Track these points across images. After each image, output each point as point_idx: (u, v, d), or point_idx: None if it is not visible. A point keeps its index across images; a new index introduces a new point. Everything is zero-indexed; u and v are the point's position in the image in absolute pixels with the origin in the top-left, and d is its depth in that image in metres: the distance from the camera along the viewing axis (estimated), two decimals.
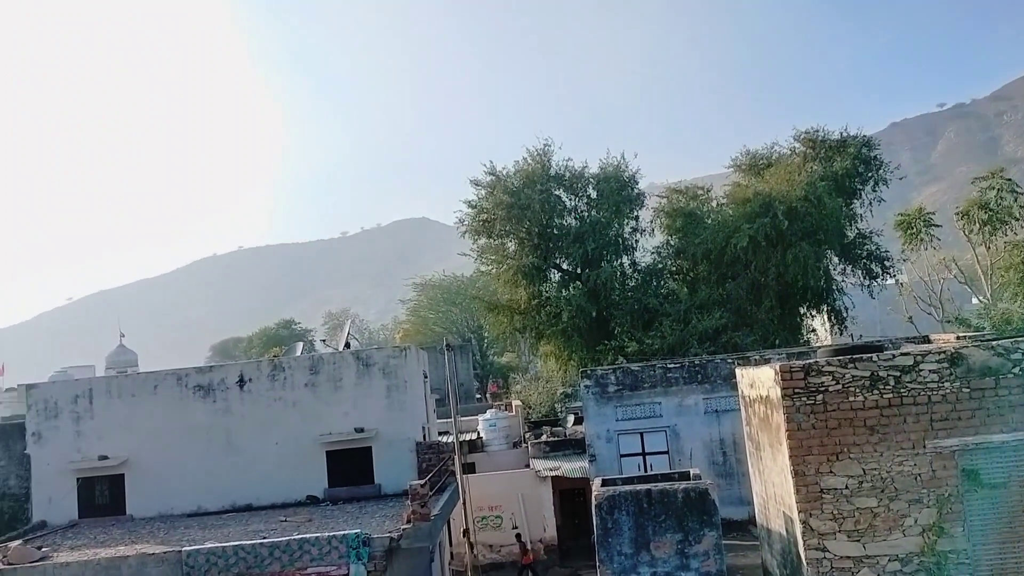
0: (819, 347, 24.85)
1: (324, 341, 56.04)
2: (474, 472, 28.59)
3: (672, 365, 27.61)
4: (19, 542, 18.30)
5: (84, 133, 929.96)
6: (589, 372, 28.07)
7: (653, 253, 39.36)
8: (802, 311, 38.62)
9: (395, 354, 24.20)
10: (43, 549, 18.14)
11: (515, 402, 39.26)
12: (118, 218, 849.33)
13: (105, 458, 22.82)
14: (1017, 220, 38.36)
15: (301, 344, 46.15)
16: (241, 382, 23.61)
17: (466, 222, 38.66)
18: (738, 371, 17.44)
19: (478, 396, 52.12)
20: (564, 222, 38.19)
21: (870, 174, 37.98)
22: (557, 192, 38.28)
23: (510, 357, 62.01)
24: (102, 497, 22.89)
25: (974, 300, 44.03)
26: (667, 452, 26.55)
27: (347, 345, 33.07)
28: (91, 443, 23.19)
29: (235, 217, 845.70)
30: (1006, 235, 38.68)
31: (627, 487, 15.86)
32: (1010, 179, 39.53)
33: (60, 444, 23.24)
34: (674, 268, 38.83)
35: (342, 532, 16.27)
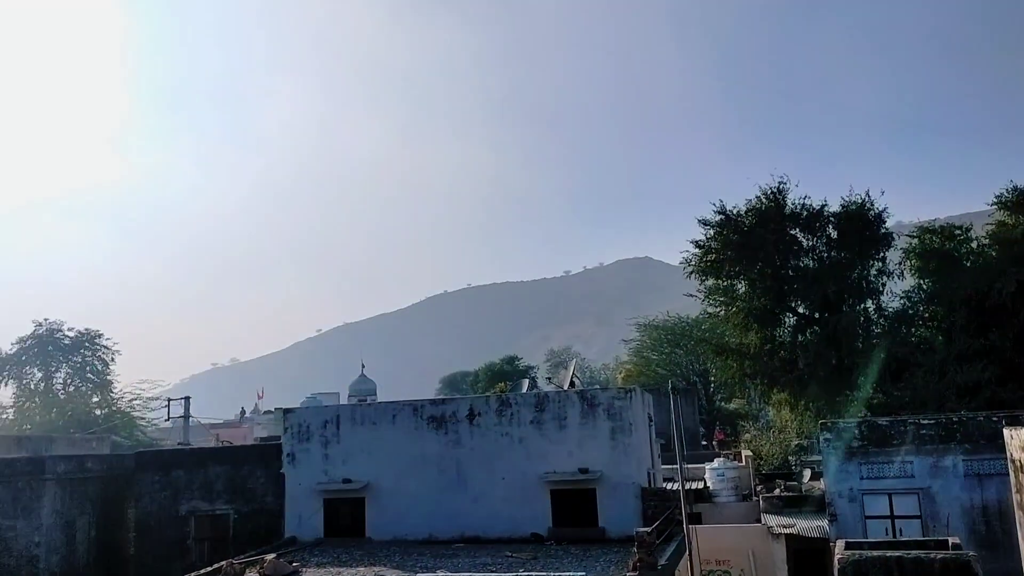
0: None
1: (549, 379, 57.08)
2: (700, 523, 27.57)
3: (926, 421, 25.14)
4: (273, 556, 19.93)
5: (326, 180, 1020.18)
6: (829, 424, 26.25)
7: (902, 298, 36.45)
8: None
9: (620, 395, 24.03)
10: (294, 564, 19.65)
11: (744, 452, 37.60)
12: (362, 256, 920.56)
13: (348, 481, 24.42)
14: None
15: (526, 381, 47.23)
16: (471, 416, 24.45)
17: (692, 262, 37.83)
18: (1006, 431, 15.67)
19: (704, 443, 50.62)
20: (800, 263, 36.40)
21: None
22: (793, 232, 36.62)
23: (739, 403, 59.64)
24: (344, 518, 24.47)
25: None
26: (919, 517, 24.10)
27: (572, 384, 33.34)
28: (336, 466, 24.93)
29: (465, 255, 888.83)
30: None
31: (875, 552, 14.50)
32: None
33: (310, 466, 25.19)
34: (927, 315, 35.67)
35: (568, 573, 16.22)
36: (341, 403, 56.01)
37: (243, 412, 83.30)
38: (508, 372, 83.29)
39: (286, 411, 26.88)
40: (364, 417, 25.63)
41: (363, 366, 71.04)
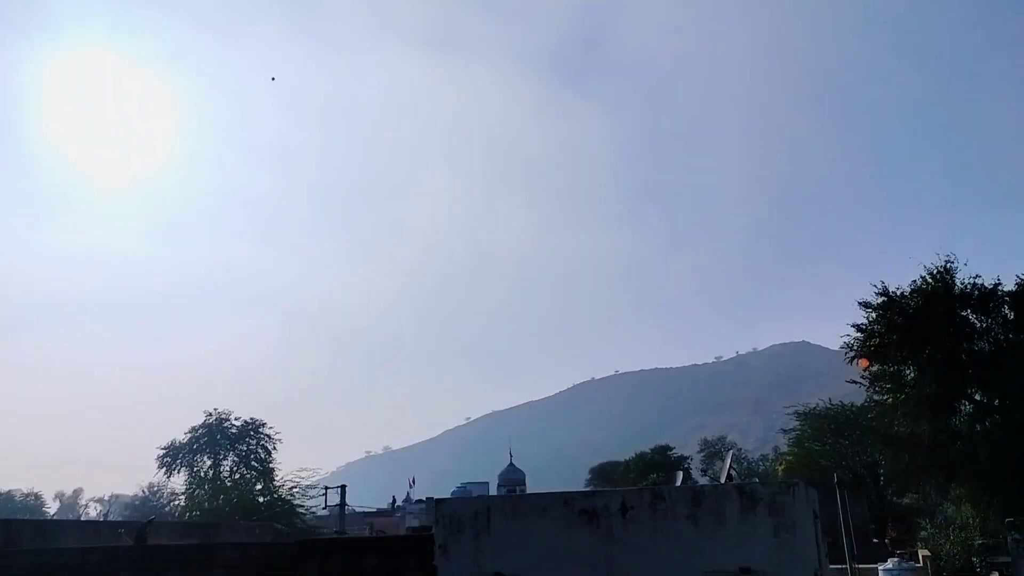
0: None
1: (704, 471, 55.19)
2: None
3: None
4: None
5: (473, 269, 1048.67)
6: (1019, 523, 24.03)
7: None
8: None
9: (782, 490, 22.77)
10: None
11: (922, 551, 34.78)
12: (510, 344, 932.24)
13: (500, 574, 24.30)
14: None
15: (680, 473, 45.90)
16: (623, 509, 23.91)
17: (854, 347, 36.18)
18: None
19: (875, 541, 47.25)
20: (974, 347, 34.02)
21: None
22: (964, 313, 34.43)
23: (913, 498, 55.37)
24: None
25: None
26: None
27: (729, 477, 32.14)
28: (488, 559, 24.81)
29: (612, 342, 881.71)
30: None
31: None
32: None
33: (461, 558, 25.22)
34: None
35: None
36: (491, 493, 56.27)
37: (394, 501, 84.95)
38: (660, 463, 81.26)
39: (437, 501, 27.17)
40: (515, 509, 25.52)
41: (511, 455, 71.31)
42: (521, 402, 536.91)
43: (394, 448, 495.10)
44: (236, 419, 57.92)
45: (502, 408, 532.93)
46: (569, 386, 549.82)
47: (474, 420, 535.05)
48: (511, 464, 71.70)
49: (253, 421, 58.20)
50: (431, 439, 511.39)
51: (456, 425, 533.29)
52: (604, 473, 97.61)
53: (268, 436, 57.96)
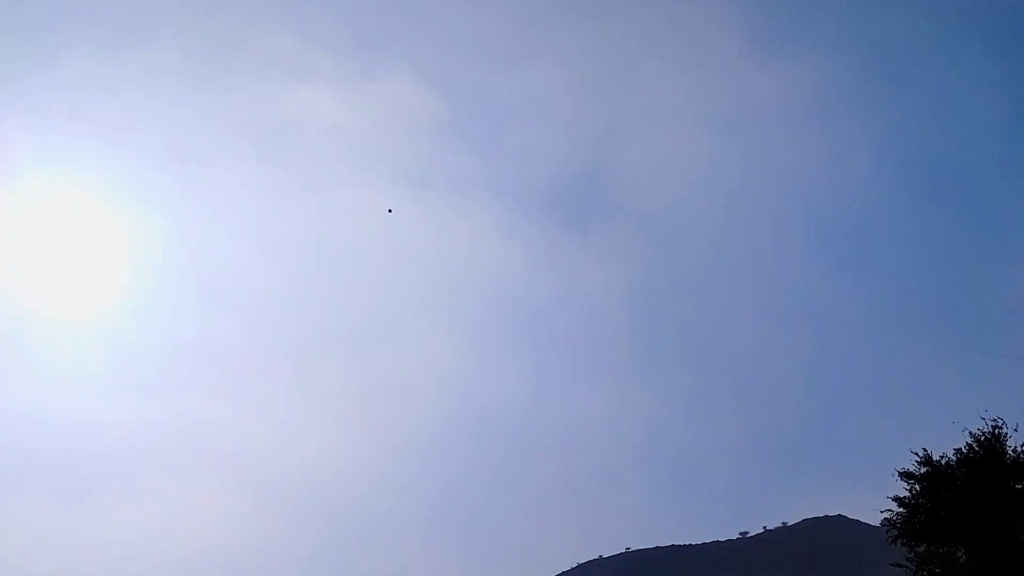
0: None
1: None
2: None
3: None
4: None
5: (462, 431, 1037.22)
6: None
7: None
8: None
9: None
10: None
11: None
12: (504, 516, 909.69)
13: None
14: None
15: None
16: None
17: (897, 523, 35.69)
18: None
19: None
20: None
21: None
22: (1019, 486, 34.15)
23: None
24: None
25: None
26: None
27: None
28: None
29: (623, 515, 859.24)
30: None
31: None
32: None
33: None
34: None
35: None
36: None
37: None
38: None
39: None
40: None
41: None
42: None
43: None
44: None
45: None
46: (573, 565, 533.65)
47: None
48: None
49: None
50: None
51: None
52: None
53: None
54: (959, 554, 34.89)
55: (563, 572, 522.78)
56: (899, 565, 36.99)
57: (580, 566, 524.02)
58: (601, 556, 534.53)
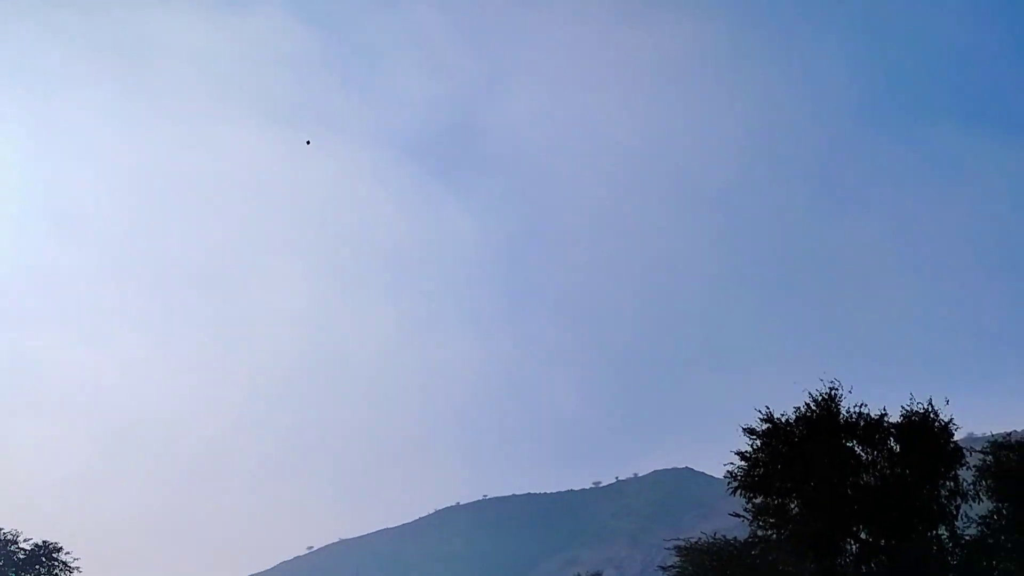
0: None
1: None
2: None
3: None
4: None
5: (321, 373, 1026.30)
6: None
7: (980, 524, 35.35)
8: None
9: None
10: None
11: None
12: (362, 461, 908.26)
13: None
14: None
15: None
16: None
17: (738, 476, 37.32)
18: None
19: None
20: (860, 481, 35.71)
21: None
22: (849, 444, 36.24)
23: None
24: None
25: None
26: None
27: None
28: None
29: (481, 463, 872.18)
30: None
31: None
32: None
33: None
34: (1010, 545, 34.41)
35: None
36: None
37: None
38: None
39: None
40: None
41: None
42: (374, 529, 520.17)
43: None
44: (26, 540, 53.63)
45: (351, 536, 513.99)
46: (431, 511, 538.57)
47: (318, 549, 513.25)
48: None
49: (46, 545, 54.02)
50: (264, 571, 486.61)
51: (295, 555, 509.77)
52: None
53: (64, 564, 53.81)
54: (792, 506, 36.76)
55: (422, 518, 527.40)
56: (737, 515, 38.88)
57: (438, 512, 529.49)
58: (459, 503, 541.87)
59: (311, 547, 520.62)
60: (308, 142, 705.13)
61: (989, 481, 35.20)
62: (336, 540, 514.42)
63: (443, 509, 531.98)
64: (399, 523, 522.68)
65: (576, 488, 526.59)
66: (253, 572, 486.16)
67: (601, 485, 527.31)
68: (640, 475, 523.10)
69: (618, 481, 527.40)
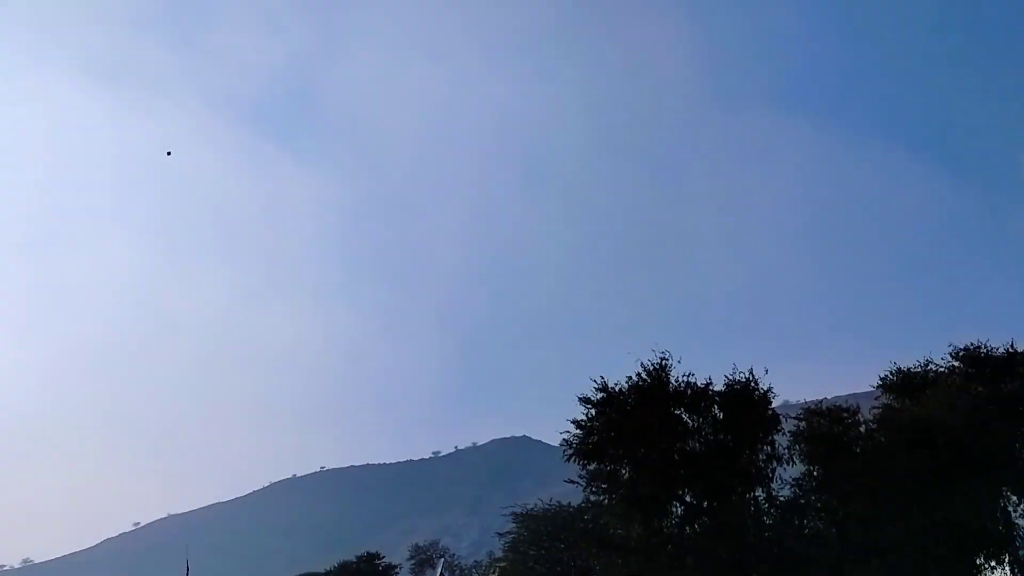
0: None
1: None
2: None
3: None
4: None
5: (154, 341, 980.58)
6: None
7: (793, 485, 37.72)
8: (979, 561, 35.67)
9: None
10: None
11: None
12: (194, 434, 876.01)
13: None
14: None
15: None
16: None
17: (573, 444, 38.15)
18: None
19: None
20: (687, 446, 37.33)
21: None
22: (677, 412, 37.76)
23: None
24: None
25: None
26: None
27: None
28: None
29: (318, 434, 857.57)
30: None
31: None
32: None
33: None
34: (819, 504, 36.94)
35: None
36: None
37: None
38: (366, 572, 79.77)
39: None
40: None
41: (188, 568, 66.49)
42: (206, 503, 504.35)
43: (36, 561, 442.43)
44: None
45: (181, 511, 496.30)
46: (266, 484, 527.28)
47: (145, 525, 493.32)
48: None
49: None
50: (87, 549, 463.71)
51: (121, 532, 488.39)
52: None
53: None
54: (623, 472, 38.02)
55: (256, 491, 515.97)
56: (572, 482, 39.88)
57: (273, 485, 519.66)
58: (295, 475, 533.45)
59: (138, 523, 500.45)
60: (168, 153, 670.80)
61: (802, 445, 37.55)
62: (164, 515, 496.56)
63: (279, 482, 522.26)
64: (232, 497, 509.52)
65: (415, 458, 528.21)
66: (75, 550, 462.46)
67: (441, 455, 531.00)
68: (479, 444, 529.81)
69: (457, 450, 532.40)
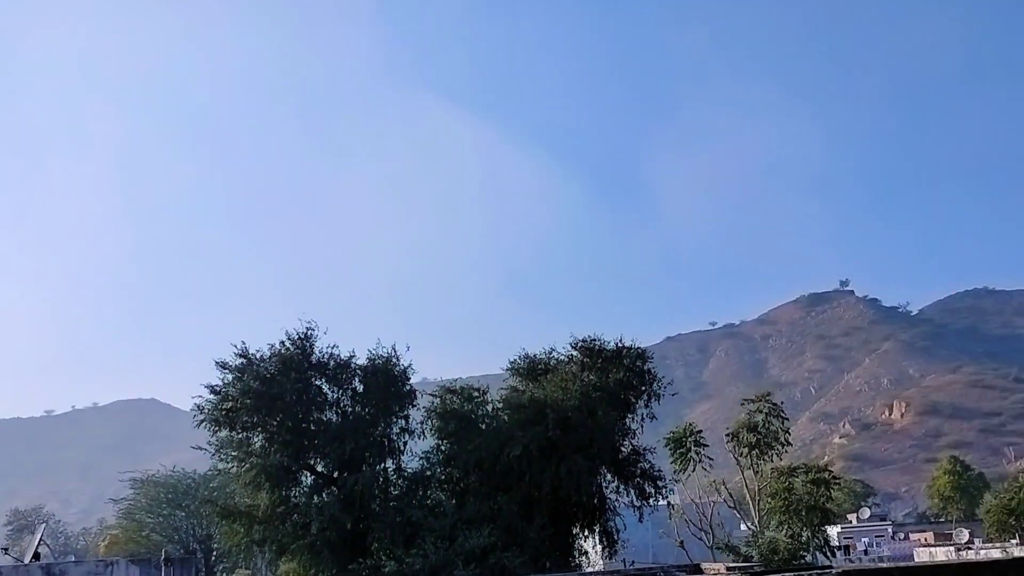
0: (592, 573, 25.45)
1: (6, 550, 49.55)
2: None
3: None
4: None
5: None
6: None
7: (422, 458, 39.27)
8: (574, 530, 39.54)
9: (98, 568, 22.02)
10: None
11: None
12: None
13: None
14: (783, 446, 42.50)
15: None
16: None
17: (205, 409, 36.69)
18: None
19: None
20: (324, 417, 37.46)
21: (644, 387, 40.84)
22: (318, 383, 37.77)
23: (244, 573, 57.89)
24: None
25: (743, 526, 47.30)
26: None
27: (36, 556, 29.57)
28: None
29: None
30: (771, 460, 42.56)
31: None
32: (776, 404, 44.00)
33: None
34: (443, 477, 38.81)
35: None
36: None
37: None
38: None
39: None
40: None
41: None
42: None
43: None
44: None
45: None
46: None
47: None
48: None
49: None
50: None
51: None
52: None
53: None
54: (256, 440, 37.35)
55: None
56: (199, 448, 38.43)
57: None
58: None
59: None
60: None
61: (435, 421, 39.26)
62: None
63: None
64: None
65: (24, 416, 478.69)
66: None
67: (54, 414, 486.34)
68: (100, 404, 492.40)
69: (74, 410, 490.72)
